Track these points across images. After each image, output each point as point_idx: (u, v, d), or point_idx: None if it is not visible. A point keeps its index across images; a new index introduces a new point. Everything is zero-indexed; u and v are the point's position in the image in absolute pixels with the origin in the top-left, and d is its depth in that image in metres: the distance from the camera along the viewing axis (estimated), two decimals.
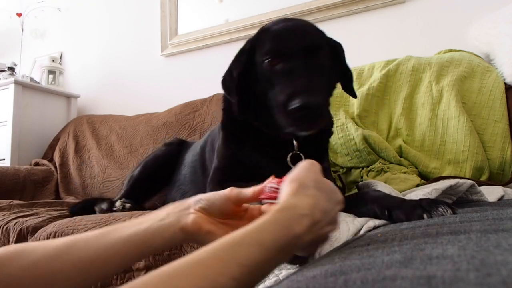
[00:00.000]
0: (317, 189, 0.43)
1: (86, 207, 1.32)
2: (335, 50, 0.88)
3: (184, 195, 1.27)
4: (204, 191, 1.03)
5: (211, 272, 0.30)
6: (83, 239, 0.43)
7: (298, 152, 0.83)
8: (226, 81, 0.89)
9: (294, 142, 0.84)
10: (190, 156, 1.32)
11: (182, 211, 0.47)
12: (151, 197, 1.47)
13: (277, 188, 0.48)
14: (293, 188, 0.42)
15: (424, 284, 0.22)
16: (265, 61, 0.78)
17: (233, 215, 0.50)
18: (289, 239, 0.36)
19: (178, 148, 1.44)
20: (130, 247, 0.43)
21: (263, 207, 0.51)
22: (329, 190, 0.45)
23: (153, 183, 1.42)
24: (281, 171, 0.86)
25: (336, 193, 0.46)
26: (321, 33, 0.86)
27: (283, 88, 0.73)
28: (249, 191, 0.50)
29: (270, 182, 0.50)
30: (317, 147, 0.90)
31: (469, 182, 0.78)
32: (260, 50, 0.81)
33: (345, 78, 0.92)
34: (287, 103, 0.69)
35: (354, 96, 0.93)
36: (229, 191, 0.50)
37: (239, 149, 0.89)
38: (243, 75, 0.84)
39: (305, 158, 0.84)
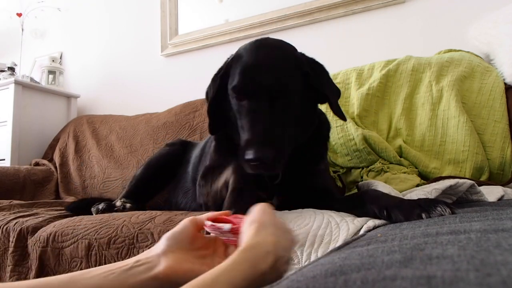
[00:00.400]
0: (276, 228, 0.45)
1: (82, 206, 1.32)
2: (315, 73, 0.85)
3: (187, 193, 1.29)
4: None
5: None
6: (45, 286, 0.41)
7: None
8: (207, 94, 0.93)
9: None
10: (194, 155, 1.35)
11: (151, 258, 0.46)
12: (154, 196, 1.48)
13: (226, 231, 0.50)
14: (254, 228, 0.44)
15: (424, 284, 0.22)
16: (233, 96, 0.81)
17: (202, 245, 0.50)
18: (256, 276, 0.38)
19: (181, 148, 1.46)
20: None
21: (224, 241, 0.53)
22: (286, 229, 0.47)
23: (156, 182, 1.43)
24: (261, 184, 0.88)
25: (291, 232, 0.49)
26: (292, 65, 0.82)
27: (244, 130, 0.77)
28: (203, 217, 0.53)
29: (222, 219, 0.53)
30: (309, 153, 0.92)
31: (469, 182, 0.78)
32: (231, 80, 0.82)
33: (331, 99, 0.88)
34: (244, 151, 0.72)
35: (343, 119, 0.90)
36: (188, 219, 0.52)
37: (225, 159, 0.91)
38: (218, 97, 0.88)
39: (294, 166, 0.86)
